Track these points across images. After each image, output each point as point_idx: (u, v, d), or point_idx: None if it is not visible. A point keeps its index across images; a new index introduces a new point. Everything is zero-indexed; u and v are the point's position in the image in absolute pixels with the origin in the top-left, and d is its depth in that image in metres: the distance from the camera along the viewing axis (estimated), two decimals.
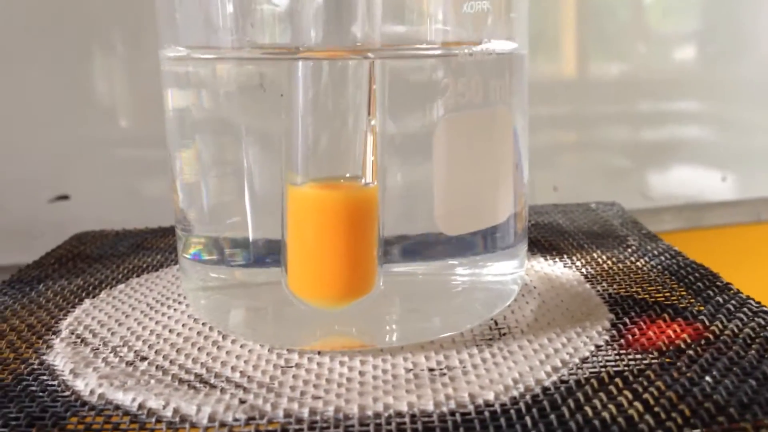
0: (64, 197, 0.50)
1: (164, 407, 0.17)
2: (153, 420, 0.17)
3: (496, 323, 0.22)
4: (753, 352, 0.19)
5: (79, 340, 0.22)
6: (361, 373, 0.19)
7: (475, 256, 0.22)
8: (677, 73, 0.59)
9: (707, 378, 0.17)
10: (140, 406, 0.18)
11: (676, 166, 0.62)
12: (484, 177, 0.21)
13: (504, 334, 0.21)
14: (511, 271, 0.23)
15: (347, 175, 0.19)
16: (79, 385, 0.19)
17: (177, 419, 0.17)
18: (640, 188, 0.60)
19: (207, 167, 0.22)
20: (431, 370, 0.19)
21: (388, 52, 0.19)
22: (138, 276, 0.28)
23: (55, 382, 0.19)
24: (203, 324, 0.23)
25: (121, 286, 0.27)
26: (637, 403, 0.16)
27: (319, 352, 0.20)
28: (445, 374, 0.19)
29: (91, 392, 0.18)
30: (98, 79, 0.48)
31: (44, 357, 0.21)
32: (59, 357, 0.21)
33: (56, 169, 0.49)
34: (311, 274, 0.20)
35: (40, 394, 0.18)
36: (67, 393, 0.18)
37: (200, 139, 0.22)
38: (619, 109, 0.59)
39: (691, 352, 0.19)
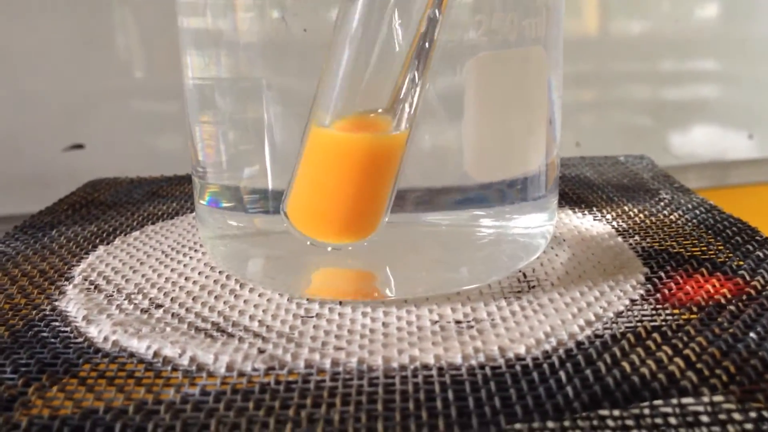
0: (79, 146, 0.49)
1: (180, 355, 0.17)
2: (169, 368, 0.16)
3: (525, 276, 0.21)
4: None
5: (92, 287, 0.21)
6: (384, 325, 0.18)
7: (505, 207, 0.21)
8: (700, 30, 0.57)
9: (752, 334, 0.17)
10: (155, 354, 0.17)
11: (701, 124, 0.60)
12: (516, 120, 0.19)
13: (533, 287, 0.20)
14: (540, 224, 0.22)
15: (380, 110, 0.18)
16: (93, 331, 0.18)
17: (194, 368, 0.16)
18: (663, 146, 0.59)
19: (226, 115, 0.21)
20: (458, 322, 0.18)
21: None
22: (153, 223, 0.27)
23: (68, 329, 0.18)
24: (220, 272, 0.22)
25: (136, 233, 0.26)
26: (677, 359, 0.16)
27: (340, 303, 0.20)
28: (472, 327, 0.18)
29: (105, 339, 0.18)
30: (114, 30, 0.47)
31: (56, 303, 0.20)
32: (72, 303, 0.20)
33: (71, 119, 0.49)
34: (315, 208, 0.19)
35: (52, 340, 0.18)
36: (80, 339, 0.18)
37: (219, 87, 0.21)
38: (641, 66, 0.57)
39: (732, 307, 0.18)
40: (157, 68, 0.48)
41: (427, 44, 0.18)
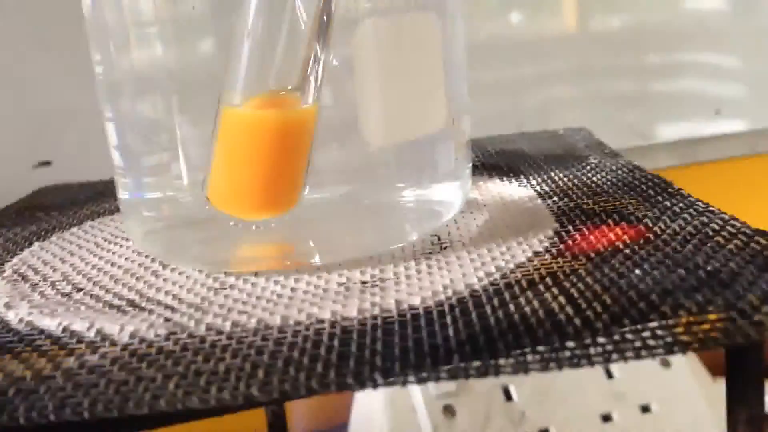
0: (46, 163, 0.50)
1: (88, 329, 0.17)
2: (74, 341, 0.17)
3: (440, 239, 0.22)
4: (690, 246, 0.18)
5: (20, 278, 0.22)
6: (292, 290, 0.19)
7: (415, 175, 0.21)
8: (679, 23, 0.59)
9: (636, 271, 0.17)
10: (64, 330, 0.17)
11: (670, 103, 0.61)
12: (409, 85, 0.20)
13: (444, 248, 0.21)
14: (452, 190, 0.22)
15: (289, 87, 0.19)
16: (10, 315, 0.19)
17: (98, 339, 0.17)
18: (632, 125, 0.60)
19: (133, 109, 0.21)
20: (363, 282, 0.19)
21: None
22: (92, 220, 0.28)
23: None
24: (146, 257, 0.22)
25: (74, 229, 0.27)
26: (561, 298, 0.16)
27: (255, 274, 0.20)
28: (376, 285, 0.18)
29: (20, 321, 0.18)
30: (82, 47, 0.48)
31: None
32: None
33: (39, 136, 0.49)
34: (234, 187, 0.19)
35: None
36: None
37: (124, 81, 0.21)
38: (621, 58, 0.58)
39: (627, 251, 0.19)
40: None
41: (325, 18, 0.19)
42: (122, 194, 0.23)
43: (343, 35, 0.19)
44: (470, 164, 0.24)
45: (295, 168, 0.19)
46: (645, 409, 0.46)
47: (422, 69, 0.20)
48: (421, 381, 0.13)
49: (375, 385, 0.14)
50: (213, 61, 0.20)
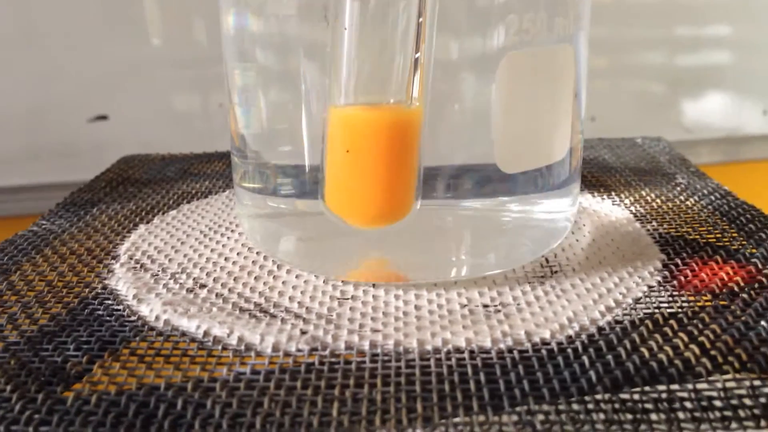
0: (103, 117, 0.51)
1: (229, 335, 0.18)
2: (219, 347, 0.17)
3: (548, 261, 0.22)
4: None
5: (138, 266, 0.22)
6: (416, 308, 0.19)
7: (529, 193, 0.22)
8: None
9: (763, 323, 0.18)
10: (205, 333, 0.18)
11: (715, 100, 0.61)
12: (544, 115, 0.20)
13: (555, 272, 0.21)
14: (563, 209, 0.23)
15: (391, 101, 0.19)
16: (144, 310, 0.19)
17: (242, 347, 0.17)
18: (678, 120, 0.60)
19: (265, 95, 0.22)
20: (485, 306, 0.19)
21: None
22: (188, 202, 0.28)
23: (120, 307, 0.20)
24: (257, 253, 0.23)
25: (174, 212, 0.27)
26: (693, 346, 0.17)
27: (374, 285, 0.21)
28: (499, 311, 0.19)
29: (157, 318, 0.19)
30: (136, 2, 0.48)
31: (106, 282, 0.21)
32: (121, 282, 0.21)
33: (95, 91, 0.50)
34: (347, 193, 0.20)
35: (107, 318, 0.19)
36: (133, 318, 0.19)
37: (259, 65, 0.22)
38: (655, 33, 0.57)
39: (745, 295, 0.19)
40: (172, 36, 0.49)
41: (420, 18, 0.19)
42: (241, 182, 0.23)
43: (488, 64, 0.19)
44: (579, 183, 0.24)
45: (405, 172, 0.20)
46: None
47: (555, 100, 0.20)
48: (576, 425, 0.14)
49: (534, 429, 0.14)
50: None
